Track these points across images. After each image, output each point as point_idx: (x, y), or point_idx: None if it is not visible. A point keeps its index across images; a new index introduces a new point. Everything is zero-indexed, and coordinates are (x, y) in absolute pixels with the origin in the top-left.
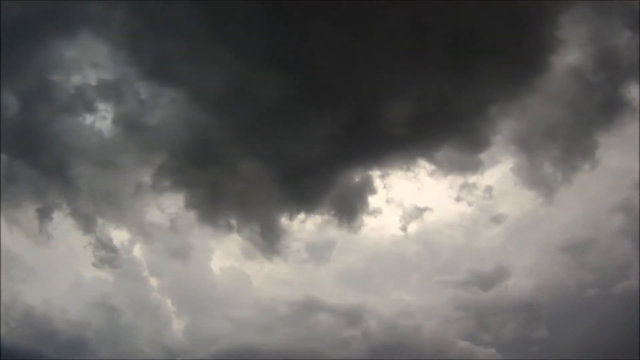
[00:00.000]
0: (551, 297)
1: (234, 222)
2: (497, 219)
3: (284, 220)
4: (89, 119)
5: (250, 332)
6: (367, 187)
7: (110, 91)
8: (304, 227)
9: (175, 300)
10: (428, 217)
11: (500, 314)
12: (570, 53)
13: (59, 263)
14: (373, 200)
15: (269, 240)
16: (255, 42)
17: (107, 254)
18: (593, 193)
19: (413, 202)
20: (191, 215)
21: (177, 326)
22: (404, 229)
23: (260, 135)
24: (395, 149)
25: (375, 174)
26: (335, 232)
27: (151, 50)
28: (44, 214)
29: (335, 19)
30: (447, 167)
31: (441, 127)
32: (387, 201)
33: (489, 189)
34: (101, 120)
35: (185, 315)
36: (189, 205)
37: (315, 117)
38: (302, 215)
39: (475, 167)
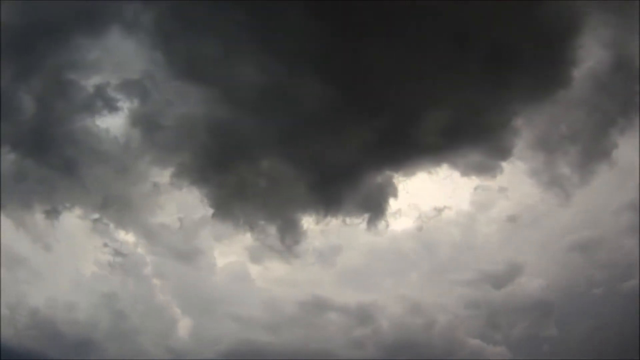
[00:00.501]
0: (561, 296)
1: (259, 222)
2: (512, 219)
3: (305, 222)
4: (108, 118)
5: (263, 331)
6: (389, 190)
7: (134, 90)
8: (326, 229)
9: (184, 302)
10: (444, 217)
11: (511, 312)
12: (590, 57)
13: (66, 265)
14: (393, 202)
15: (289, 242)
16: (300, 48)
17: (116, 258)
18: (608, 193)
19: (431, 203)
20: (207, 214)
21: (186, 327)
22: (420, 229)
23: (296, 139)
24: (422, 155)
25: (398, 178)
26: (349, 232)
27: (183, 50)
28: (53, 215)
29: (382, 30)
30: (468, 171)
31: (469, 136)
32: (407, 203)
33: (505, 189)
34: (120, 119)
35: (195, 316)
36: (208, 204)
37: (354, 125)
38: (328, 218)
39: (494, 169)
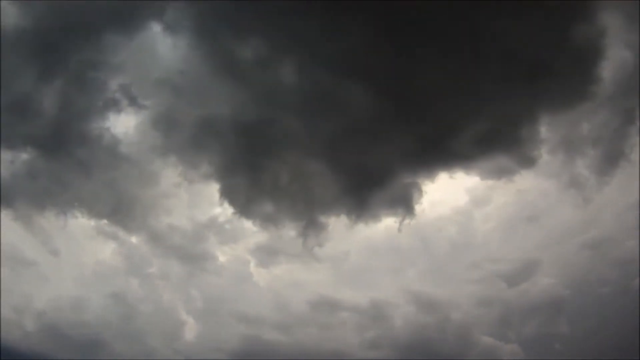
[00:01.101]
0: (574, 293)
1: (283, 222)
2: (530, 219)
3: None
4: (131, 118)
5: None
6: (414, 192)
7: (163, 90)
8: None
9: (195, 305)
10: (461, 218)
11: (524, 310)
12: (613, 55)
13: (74, 266)
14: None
15: (312, 243)
16: (347, 56)
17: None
18: (624, 193)
19: (450, 204)
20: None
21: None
22: (438, 229)
23: (338, 143)
24: (453, 162)
25: (424, 181)
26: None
27: (224, 50)
28: (62, 217)
29: (430, 46)
30: (489, 174)
31: (499, 145)
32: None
33: (523, 191)
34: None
35: (203, 318)
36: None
37: (395, 132)
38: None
39: (514, 173)
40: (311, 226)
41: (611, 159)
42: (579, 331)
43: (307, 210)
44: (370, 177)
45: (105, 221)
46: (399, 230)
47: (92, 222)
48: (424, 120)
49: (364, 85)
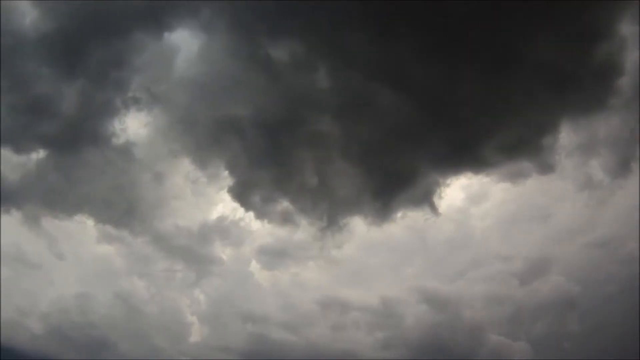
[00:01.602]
0: (584, 292)
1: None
2: (544, 218)
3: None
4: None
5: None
6: (437, 193)
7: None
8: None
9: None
10: (476, 217)
11: (534, 309)
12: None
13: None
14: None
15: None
16: (382, 62)
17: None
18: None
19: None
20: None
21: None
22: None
23: (369, 144)
24: (476, 166)
25: (445, 182)
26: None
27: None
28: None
29: (468, 56)
30: (510, 178)
31: (523, 151)
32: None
33: (541, 191)
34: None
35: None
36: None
37: (428, 137)
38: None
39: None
40: (331, 227)
41: (624, 161)
42: (589, 329)
43: (329, 210)
44: (396, 178)
45: (112, 224)
46: (417, 229)
47: (100, 226)
48: (456, 126)
49: (397, 91)
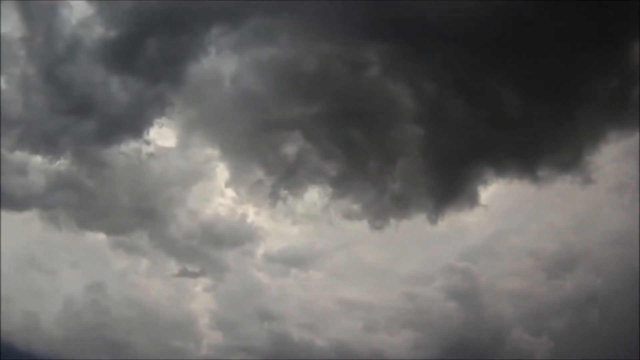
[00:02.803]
0: (608, 288)
1: None
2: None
3: None
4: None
5: None
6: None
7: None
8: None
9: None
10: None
11: (558, 304)
12: None
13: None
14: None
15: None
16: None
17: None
18: None
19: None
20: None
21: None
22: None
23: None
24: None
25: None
26: None
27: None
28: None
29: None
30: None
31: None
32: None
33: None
34: None
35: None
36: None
37: (497, 152)
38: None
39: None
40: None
41: None
42: (613, 326)
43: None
44: (455, 182)
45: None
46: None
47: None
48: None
49: (473, 105)
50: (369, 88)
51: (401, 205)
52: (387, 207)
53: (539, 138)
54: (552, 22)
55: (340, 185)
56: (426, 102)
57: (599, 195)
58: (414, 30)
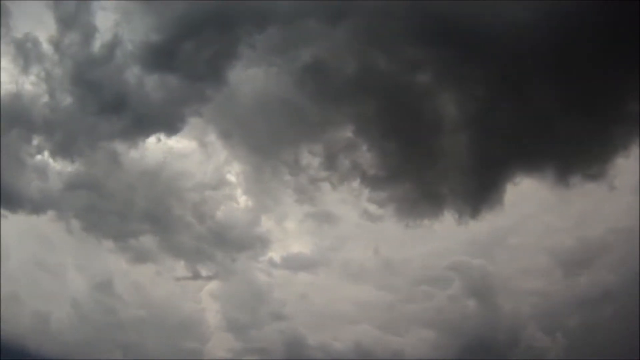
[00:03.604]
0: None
1: None
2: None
3: None
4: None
5: None
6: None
7: None
8: None
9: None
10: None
11: (572, 302)
12: None
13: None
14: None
15: None
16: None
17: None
18: None
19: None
20: None
21: None
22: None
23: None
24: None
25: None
26: None
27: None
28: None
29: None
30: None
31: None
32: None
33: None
34: None
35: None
36: None
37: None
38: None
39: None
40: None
41: None
42: (627, 324)
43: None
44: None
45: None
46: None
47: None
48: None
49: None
50: (419, 91)
51: (435, 205)
52: (420, 206)
53: (572, 147)
54: (598, 44)
55: (376, 185)
56: (473, 107)
57: (617, 196)
58: (468, 36)
